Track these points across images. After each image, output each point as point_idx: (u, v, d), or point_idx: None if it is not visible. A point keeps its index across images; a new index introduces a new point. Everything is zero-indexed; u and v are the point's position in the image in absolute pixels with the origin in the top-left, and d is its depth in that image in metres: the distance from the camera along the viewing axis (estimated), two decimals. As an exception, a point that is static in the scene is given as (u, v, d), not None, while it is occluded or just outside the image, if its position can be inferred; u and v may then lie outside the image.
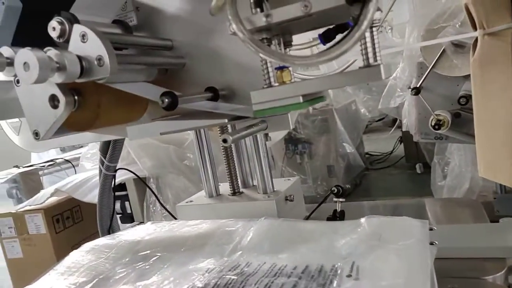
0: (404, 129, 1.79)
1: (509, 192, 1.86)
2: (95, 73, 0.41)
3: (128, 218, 1.86)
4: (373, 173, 3.35)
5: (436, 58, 1.51)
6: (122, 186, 1.84)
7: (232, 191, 0.83)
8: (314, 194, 2.72)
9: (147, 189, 1.82)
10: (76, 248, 0.62)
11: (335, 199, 0.67)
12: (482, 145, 0.62)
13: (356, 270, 0.45)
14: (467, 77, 1.61)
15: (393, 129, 3.79)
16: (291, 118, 0.52)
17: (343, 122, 2.76)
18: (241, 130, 0.46)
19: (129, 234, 0.68)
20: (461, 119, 1.67)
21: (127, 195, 1.85)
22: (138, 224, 1.15)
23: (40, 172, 2.65)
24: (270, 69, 0.40)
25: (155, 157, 1.87)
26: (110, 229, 0.84)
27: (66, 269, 0.56)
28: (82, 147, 3.23)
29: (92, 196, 1.51)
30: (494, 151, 0.60)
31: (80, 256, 0.59)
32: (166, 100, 0.42)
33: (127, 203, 1.85)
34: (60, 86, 0.45)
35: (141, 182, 1.89)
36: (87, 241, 0.65)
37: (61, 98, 0.44)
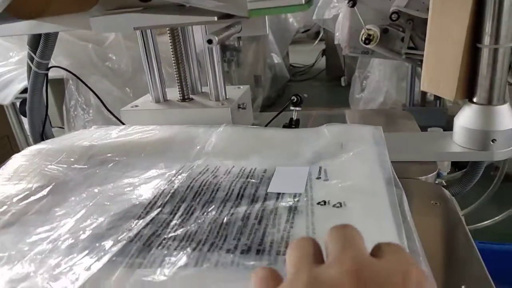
0: (336, 43, 1.83)
1: (416, 105, 2.09)
2: None
3: (45, 123, 1.70)
4: (296, 84, 3.46)
5: (375, -30, 1.51)
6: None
7: (181, 97, 0.80)
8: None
9: (66, 91, 1.66)
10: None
11: (292, 108, 0.68)
12: (430, 60, 0.67)
13: (324, 173, 0.48)
14: (400, -7, 1.65)
15: (316, 41, 3.85)
16: (268, 21, 0.49)
17: (272, 31, 2.71)
18: (222, 31, 0.43)
19: (75, 138, 0.62)
20: (388, 35, 1.74)
21: (42, 97, 1.66)
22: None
23: None
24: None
25: (73, 56, 1.67)
26: (43, 135, 0.76)
27: (12, 174, 0.51)
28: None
29: (2, 96, 1.34)
30: (441, 66, 0.64)
31: (25, 160, 0.54)
32: (142, -13, 0.36)
33: (43, 107, 1.67)
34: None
35: (57, 84, 1.70)
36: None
37: (4, -27, 0.35)
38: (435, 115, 1.99)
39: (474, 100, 0.62)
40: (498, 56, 0.58)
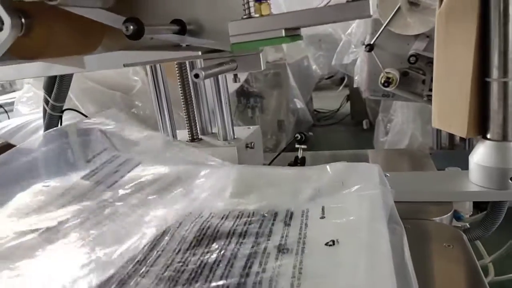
0: (355, 86, 1.84)
1: (444, 148, 2.02)
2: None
3: (71, 168, 1.77)
4: (320, 129, 3.46)
5: (391, 15, 1.54)
6: (64, 134, 1.72)
7: (190, 138, 0.81)
8: (264, 148, 2.76)
9: (92, 137, 1.73)
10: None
11: (297, 146, 0.67)
12: (439, 97, 0.65)
13: (321, 211, 0.46)
14: (417, 36, 1.66)
15: (341, 87, 3.89)
16: (263, 58, 0.49)
17: (295, 78, 2.77)
18: (213, 67, 0.43)
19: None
20: (408, 78, 1.74)
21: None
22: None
23: (-33, 117, 2.41)
24: (250, -2, 0.37)
25: (100, 103, 1.75)
26: (57, 175, 0.79)
27: (13, 210, 0.52)
28: (14, 91, 2.96)
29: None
30: (450, 103, 0.62)
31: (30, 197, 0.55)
32: (131, 27, 0.38)
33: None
34: (4, 5, 0.39)
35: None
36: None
37: (6, 19, 0.38)
38: (464, 158, 1.91)
39: (488, 136, 0.59)
40: (508, 90, 0.55)
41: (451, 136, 2.05)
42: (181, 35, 0.46)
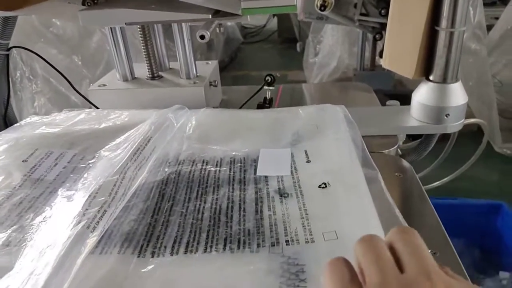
0: (291, 8, 1.83)
1: (366, 69, 2.19)
2: None
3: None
4: (248, 47, 3.43)
5: None
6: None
7: (150, 75, 0.78)
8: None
9: (10, 61, 1.53)
10: None
11: (266, 87, 0.71)
12: (392, 41, 0.71)
13: (305, 155, 0.52)
14: (354, -42, 1.68)
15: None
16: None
17: (224, -8, 2.63)
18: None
19: (48, 126, 0.61)
20: (342, 2, 1.79)
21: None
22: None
23: None
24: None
25: (13, 22, 1.53)
26: (6, 119, 0.73)
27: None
28: None
29: None
30: (402, 46, 0.69)
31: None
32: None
33: (-17, 78, 1.54)
34: None
35: (-3, 53, 1.57)
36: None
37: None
38: (383, 79, 2.10)
39: (431, 78, 0.69)
40: (453, 39, 0.64)
41: (372, 59, 2.21)
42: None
